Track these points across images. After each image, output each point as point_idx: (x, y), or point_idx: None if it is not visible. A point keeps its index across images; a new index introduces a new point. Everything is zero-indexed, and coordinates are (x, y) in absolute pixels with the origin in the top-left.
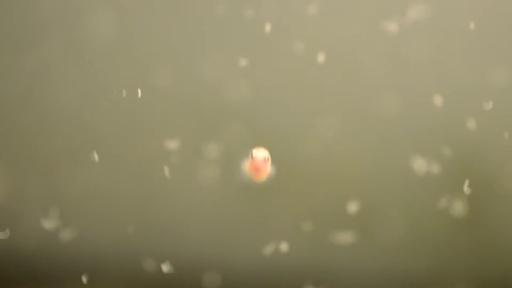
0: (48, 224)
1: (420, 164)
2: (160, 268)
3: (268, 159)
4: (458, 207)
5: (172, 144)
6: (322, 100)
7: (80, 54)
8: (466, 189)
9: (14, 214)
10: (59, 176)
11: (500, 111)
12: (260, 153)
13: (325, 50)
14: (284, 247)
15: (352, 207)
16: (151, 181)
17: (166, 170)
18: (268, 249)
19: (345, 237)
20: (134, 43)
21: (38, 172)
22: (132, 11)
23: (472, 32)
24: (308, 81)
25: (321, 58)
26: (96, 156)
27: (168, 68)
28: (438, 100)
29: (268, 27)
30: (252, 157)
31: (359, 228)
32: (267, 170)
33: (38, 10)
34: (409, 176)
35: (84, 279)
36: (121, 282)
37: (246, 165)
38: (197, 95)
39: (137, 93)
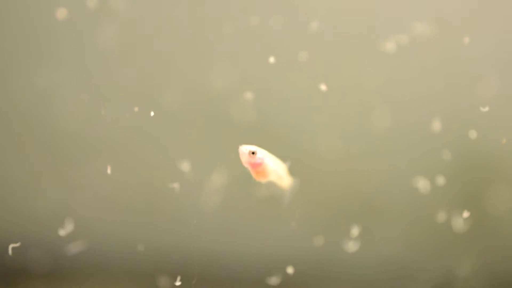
0: (59, 237)
1: (421, 181)
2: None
3: (255, 153)
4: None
5: (183, 161)
6: (327, 124)
7: (90, 70)
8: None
9: (25, 226)
10: (72, 189)
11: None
12: (245, 148)
13: (327, 78)
14: (290, 269)
15: (355, 227)
16: (161, 197)
17: (177, 187)
18: (276, 270)
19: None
20: (142, 58)
21: (51, 184)
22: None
23: (466, 46)
24: (313, 99)
25: (323, 87)
26: (109, 169)
27: (177, 86)
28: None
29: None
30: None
31: (362, 242)
32: (260, 166)
33: (47, 28)
34: (409, 193)
35: None
36: None
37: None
38: (206, 112)
39: (149, 112)
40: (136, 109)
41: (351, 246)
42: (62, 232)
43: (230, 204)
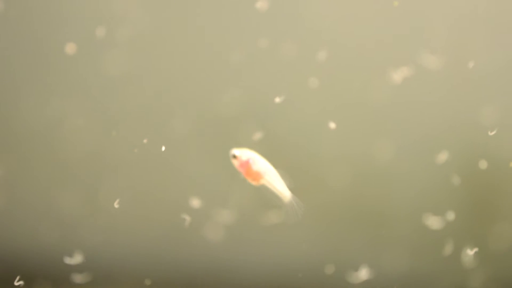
0: (65, 268)
1: (431, 218)
2: None
3: (236, 157)
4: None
5: (192, 193)
6: (336, 152)
7: (98, 100)
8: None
9: (30, 262)
10: (80, 223)
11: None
12: (231, 153)
13: (334, 117)
14: None
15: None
16: (171, 231)
17: (187, 220)
18: None
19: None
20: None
21: (58, 219)
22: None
23: (470, 71)
24: (321, 130)
25: (331, 125)
26: (116, 203)
27: (186, 115)
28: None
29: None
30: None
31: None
32: (251, 171)
33: (57, 61)
34: (418, 223)
35: None
36: None
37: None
38: (214, 140)
39: (158, 143)
40: (145, 140)
41: (359, 277)
42: (68, 263)
43: (239, 235)
